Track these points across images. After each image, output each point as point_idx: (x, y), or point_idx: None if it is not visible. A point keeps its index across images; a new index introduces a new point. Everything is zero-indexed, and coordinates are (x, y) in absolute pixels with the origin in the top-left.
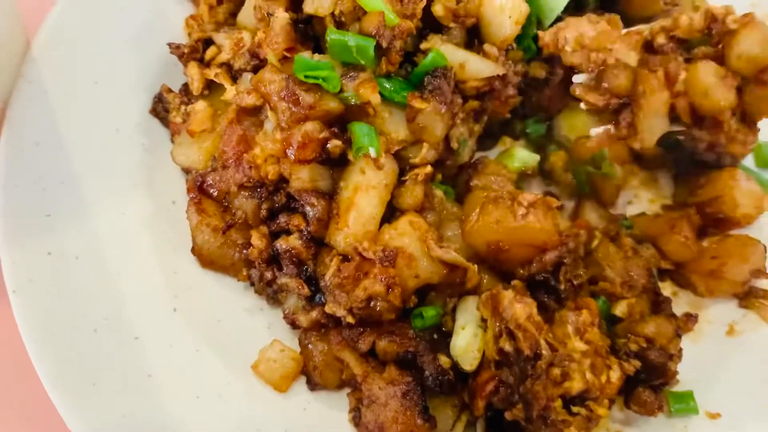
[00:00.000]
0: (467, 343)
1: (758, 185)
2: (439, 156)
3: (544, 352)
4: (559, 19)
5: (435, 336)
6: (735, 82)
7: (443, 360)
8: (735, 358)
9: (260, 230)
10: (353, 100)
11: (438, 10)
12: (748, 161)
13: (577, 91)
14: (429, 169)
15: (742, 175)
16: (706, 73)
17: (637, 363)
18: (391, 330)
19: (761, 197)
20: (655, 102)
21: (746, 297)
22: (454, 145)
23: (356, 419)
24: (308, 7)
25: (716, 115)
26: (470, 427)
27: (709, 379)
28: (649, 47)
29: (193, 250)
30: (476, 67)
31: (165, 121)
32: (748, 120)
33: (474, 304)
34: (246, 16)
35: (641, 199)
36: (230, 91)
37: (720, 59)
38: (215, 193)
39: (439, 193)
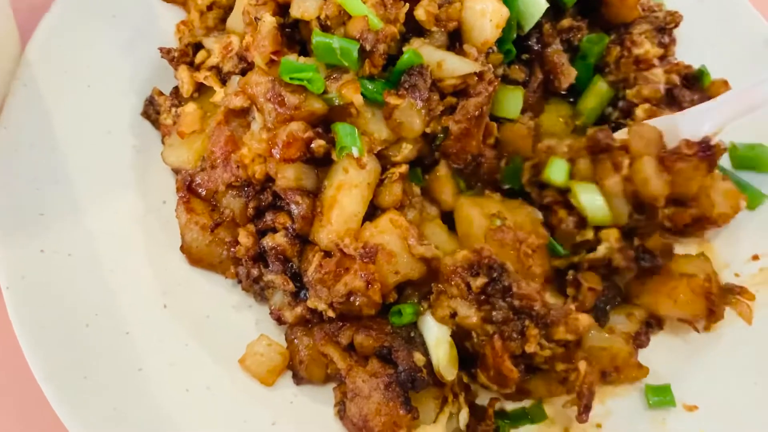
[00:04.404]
0: (448, 357)
1: (734, 185)
2: (419, 153)
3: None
4: (539, 25)
5: (412, 333)
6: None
7: (417, 357)
8: (711, 353)
9: (247, 228)
10: (337, 101)
11: (420, 14)
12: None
13: None
14: (404, 167)
15: (718, 175)
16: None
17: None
18: (369, 325)
19: (737, 197)
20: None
21: (723, 295)
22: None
23: (341, 412)
24: (295, 12)
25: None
26: (453, 418)
27: (686, 372)
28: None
29: (182, 248)
30: (453, 65)
31: (156, 123)
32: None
33: (431, 317)
34: (235, 21)
35: None
36: (219, 94)
37: None
38: (204, 193)
39: (417, 190)
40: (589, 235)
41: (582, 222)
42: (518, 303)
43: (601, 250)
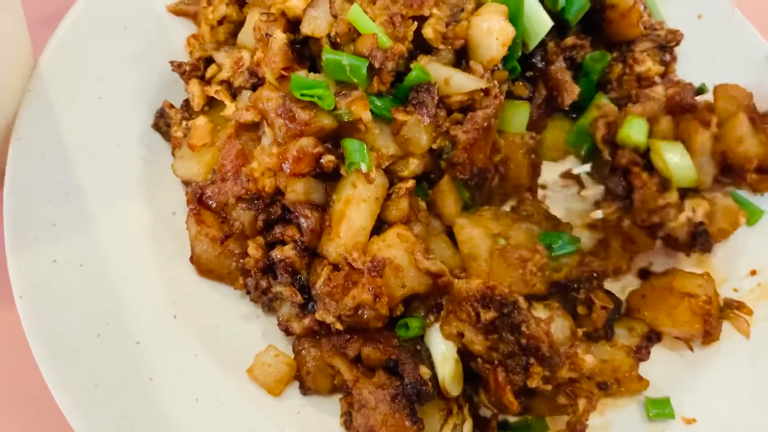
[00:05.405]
0: (453, 374)
1: (734, 201)
2: (426, 168)
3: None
4: (543, 43)
5: (418, 347)
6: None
7: (423, 371)
8: (710, 366)
9: (256, 241)
10: (346, 117)
11: (428, 32)
12: None
13: None
14: (411, 183)
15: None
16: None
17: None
18: (376, 337)
19: (736, 213)
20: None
21: (722, 314)
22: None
23: (347, 423)
24: (305, 29)
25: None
26: (457, 429)
27: (685, 385)
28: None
29: (192, 259)
30: (460, 82)
31: (166, 136)
32: None
33: (438, 333)
34: (246, 36)
35: None
36: (230, 108)
37: None
38: (214, 205)
39: (423, 205)
40: (674, 197)
41: (665, 184)
42: (525, 341)
43: (681, 218)
